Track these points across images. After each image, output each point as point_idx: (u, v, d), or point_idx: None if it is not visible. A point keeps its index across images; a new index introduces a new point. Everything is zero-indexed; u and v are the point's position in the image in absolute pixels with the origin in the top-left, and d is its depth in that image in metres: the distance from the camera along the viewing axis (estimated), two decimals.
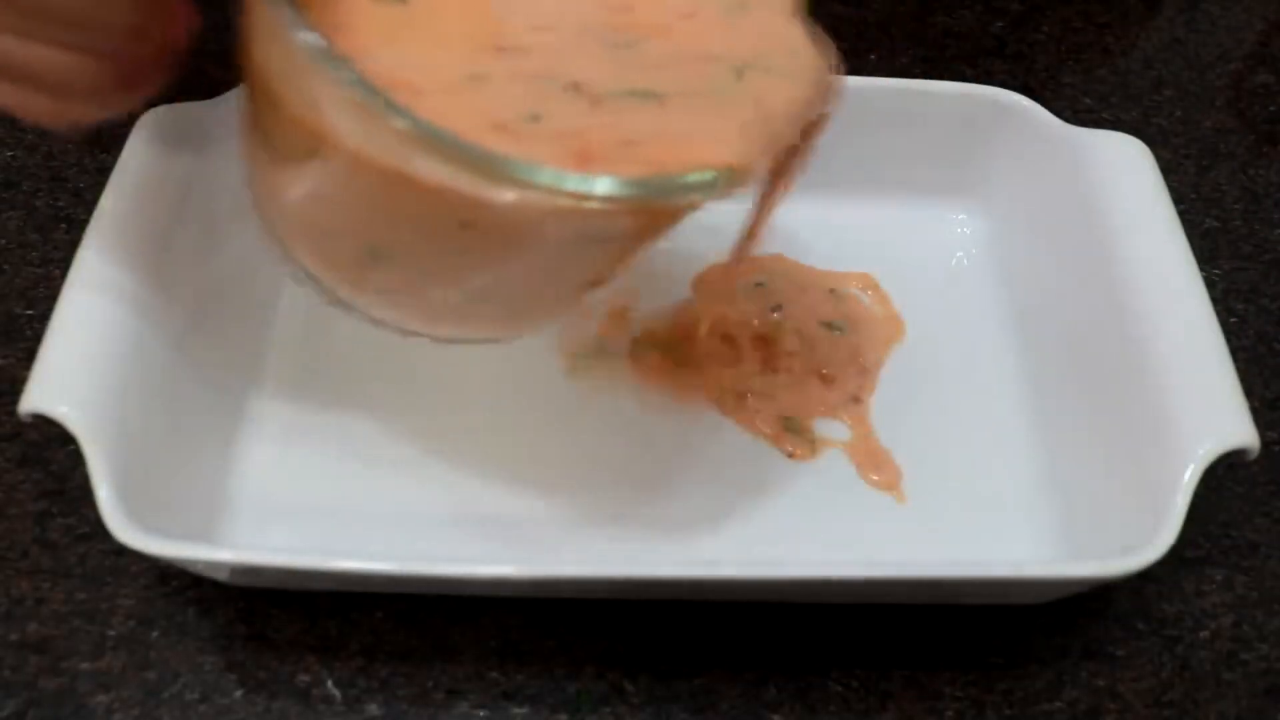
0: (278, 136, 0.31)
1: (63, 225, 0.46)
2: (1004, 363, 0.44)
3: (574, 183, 0.28)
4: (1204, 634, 0.38)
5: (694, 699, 0.36)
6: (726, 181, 0.29)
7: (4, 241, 0.46)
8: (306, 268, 0.34)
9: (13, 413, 0.34)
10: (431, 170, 0.28)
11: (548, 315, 0.37)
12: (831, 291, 0.46)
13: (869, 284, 0.46)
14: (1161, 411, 0.36)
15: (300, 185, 0.32)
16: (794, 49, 0.33)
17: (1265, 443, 0.37)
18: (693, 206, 0.31)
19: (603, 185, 0.28)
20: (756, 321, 0.44)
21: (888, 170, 0.47)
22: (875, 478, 0.41)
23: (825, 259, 0.47)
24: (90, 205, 0.38)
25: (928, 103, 0.46)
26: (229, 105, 0.41)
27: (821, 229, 0.47)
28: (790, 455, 0.41)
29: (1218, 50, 0.58)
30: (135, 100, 0.33)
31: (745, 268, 0.46)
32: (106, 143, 0.49)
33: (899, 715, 0.36)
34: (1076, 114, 0.54)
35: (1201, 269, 0.39)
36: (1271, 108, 0.56)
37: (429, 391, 0.42)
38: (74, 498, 0.39)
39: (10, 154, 0.49)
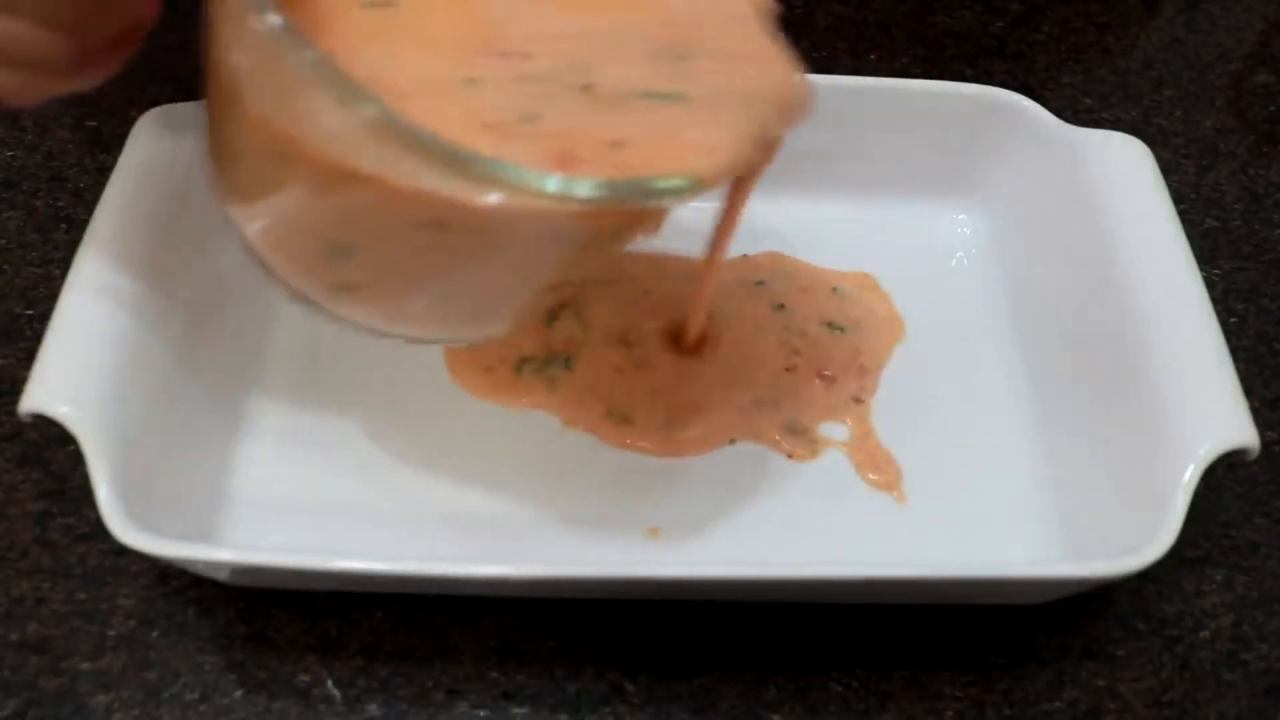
0: (240, 136, 0.31)
1: (63, 225, 0.46)
2: (1004, 363, 0.44)
3: (525, 177, 0.28)
4: (1204, 634, 0.38)
5: (694, 699, 0.36)
6: (692, 188, 0.29)
7: (4, 241, 0.46)
8: (268, 263, 0.34)
9: (13, 413, 0.34)
10: (397, 168, 0.28)
11: (512, 315, 0.36)
12: (834, 291, 0.46)
13: (869, 284, 0.46)
14: (1161, 411, 0.36)
15: (262, 185, 0.32)
16: (777, 62, 0.34)
17: (1265, 443, 0.37)
18: (661, 211, 0.32)
19: (554, 184, 0.28)
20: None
21: (888, 170, 0.47)
22: (875, 478, 0.41)
23: (825, 259, 0.47)
24: (90, 205, 0.38)
25: (928, 103, 0.46)
26: None
27: (821, 229, 0.47)
28: (790, 456, 0.41)
29: (1218, 50, 0.58)
30: (97, 77, 0.33)
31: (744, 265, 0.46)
32: (106, 143, 0.49)
33: (899, 715, 0.36)
34: (1076, 114, 0.54)
35: (1201, 269, 0.39)
36: (1271, 108, 0.56)
37: (429, 391, 0.42)
38: (74, 498, 0.39)
39: (10, 154, 0.49)
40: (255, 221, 0.33)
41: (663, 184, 0.29)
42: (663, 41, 0.34)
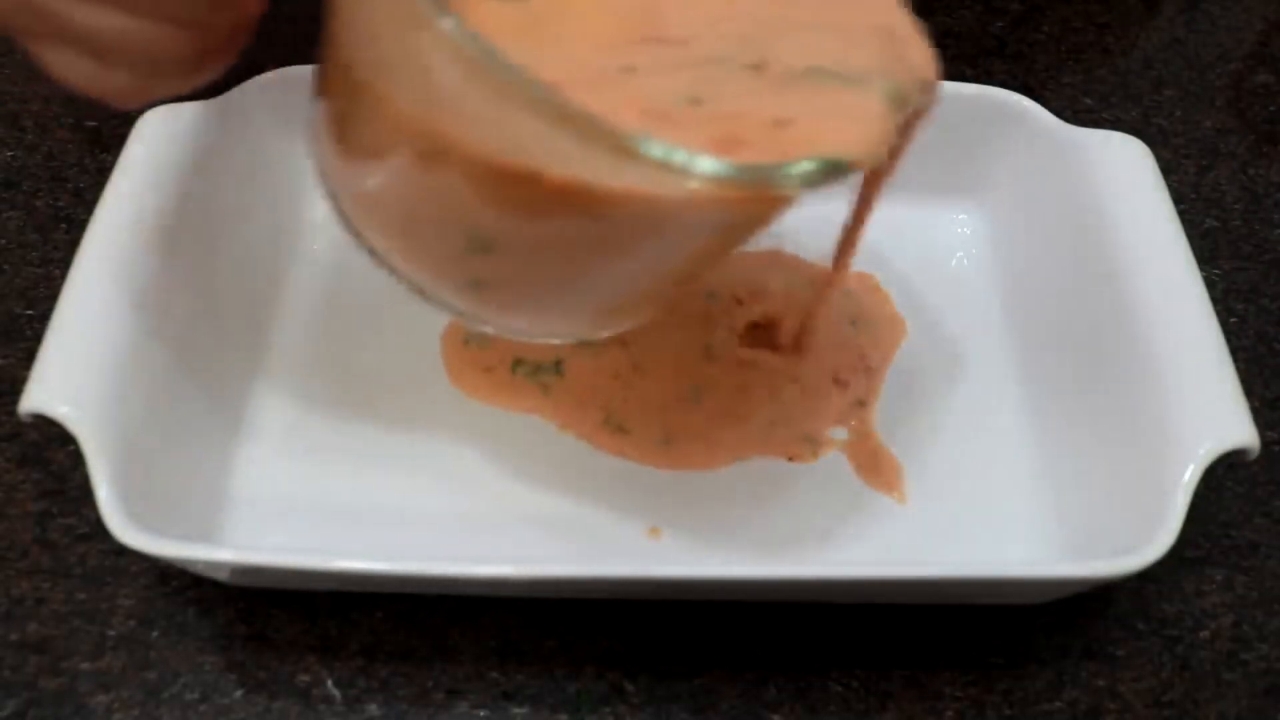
0: (373, 131, 0.30)
1: (63, 225, 0.46)
2: (1005, 363, 0.44)
3: (668, 153, 0.25)
4: (1204, 634, 0.38)
5: (694, 699, 0.36)
6: (833, 173, 0.28)
7: (4, 241, 0.46)
8: (391, 261, 0.32)
9: (13, 413, 0.34)
10: (549, 155, 0.26)
11: (642, 310, 0.34)
12: (843, 291, 0.45)
13: (869, 284, 0.46)
14: (1161, 411, 0.36)
15: (393, 179, 0.30)
16: (918, 42, 0.33)
17: (1265, 443, 0.37)
18: (796, 196, 0.30)
19: (680, 158, 0.26)
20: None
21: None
22: (875, 478, 0.41)
23: (826, 258, 0.46)
24: (90, 205, 0.38)
25: None
26: (229, 105, 0.41)
27: (822, 229, 0.47)
28: (791, 458, 0.41)
29: (1218, 50, 0.58)
30: (214, 73, 0.32)
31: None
32: (106, 143, 0.49)
33: (899, 715, 0.36)
34: (1076, 114, 0.54)
35: (1201, 269, 0.39)
36: (1271, 108, 0.56)
37: (429, 392, 0.42)
38: (74, 498, 0.39)
39: (10, 154, 0.49)
40: (379, 217, 0.32)
41: (797, 169, 0.27)
42: (813, 20, 0.33)
